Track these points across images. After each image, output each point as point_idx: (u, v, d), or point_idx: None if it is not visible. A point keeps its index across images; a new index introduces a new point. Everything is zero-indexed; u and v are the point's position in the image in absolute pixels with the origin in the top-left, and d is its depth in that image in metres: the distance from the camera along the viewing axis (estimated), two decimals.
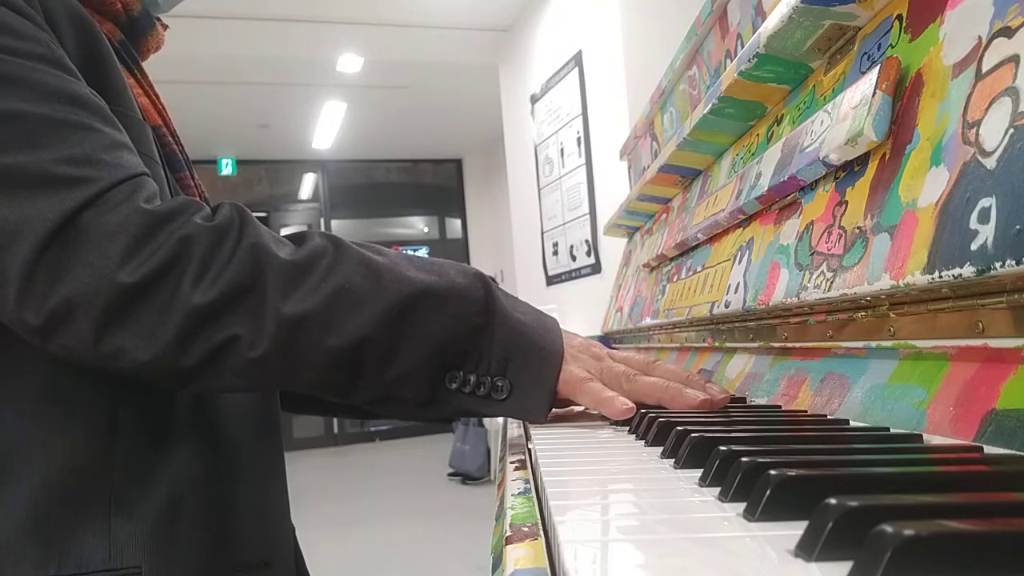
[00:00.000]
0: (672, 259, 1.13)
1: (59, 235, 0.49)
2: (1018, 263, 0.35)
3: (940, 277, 0.41)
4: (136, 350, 0.52)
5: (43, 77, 0.52)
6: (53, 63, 0.53)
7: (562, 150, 3.43)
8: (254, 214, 0.56)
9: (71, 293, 0.50)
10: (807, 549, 0.24)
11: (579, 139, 3.25)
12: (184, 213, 0.53)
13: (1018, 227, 0.35)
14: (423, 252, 7.71)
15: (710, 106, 0.85)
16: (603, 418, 0.63)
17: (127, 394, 0.57)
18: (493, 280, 0.60)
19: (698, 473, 0.38)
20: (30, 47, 0.52)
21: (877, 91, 0.51)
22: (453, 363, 0.56)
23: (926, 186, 0.45)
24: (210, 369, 0.53)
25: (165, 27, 0.72)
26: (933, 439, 0.42)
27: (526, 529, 0.33)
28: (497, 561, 0.32)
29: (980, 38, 0.43)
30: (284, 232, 0.58)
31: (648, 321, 1.17)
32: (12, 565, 0.52)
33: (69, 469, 0.55)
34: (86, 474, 0.55)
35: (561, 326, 0.63)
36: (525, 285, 4.19)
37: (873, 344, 0.52)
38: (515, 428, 0.70)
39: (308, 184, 7.38)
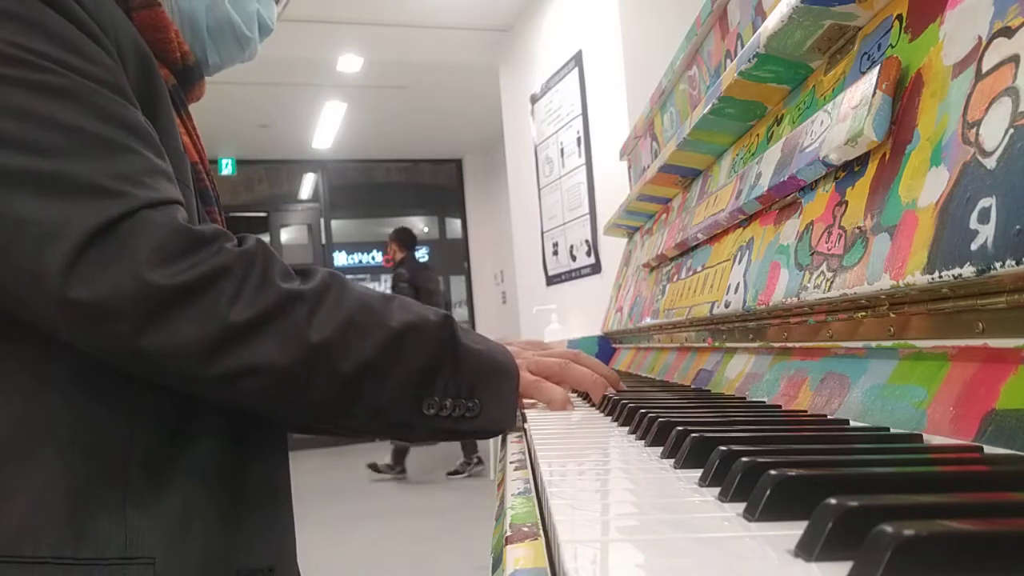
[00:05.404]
0: (672, 259, 1.13)
1: (98, 239, 0.53)
2: (1018, 263, 0.35)
3: (940, 277, 0.41)
4: (165, 353, 0.55)
5: (104, 100, 0.58)
6: (115, 89, 0.59)
7: (562, 150, 3.43)
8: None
9: (110, 295, 0.53)
10: (807, 549, 0.24)
11: (579, 139, 3.25)
12: (219, 239, 0.59)
13: (1018, 227, 0.35)
14: (423, 252, 7.72)
15: (710, 106, 0.85)
16: (599, 412, 0.67)
17: (151, 387, 0.60)
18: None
19: (698, 473, 0.38)
20: (97, 72, 0.58)
21: (877, 91, 0.51)
22: (428, 390, 0.64)
23: (926, 186, 0.45)
24: (230, 384, 0.58)
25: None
26: (933, 439, 0.42)
27: (526, 529, 0.33)
28: (497, 561, 0.32)
29: (980, 38, 0.43)
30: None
31: (648, 321, 1.17)
32: (31, 543, 0.55)
33: (90, 455, 0.58)
34: (105, 462, 0.58)
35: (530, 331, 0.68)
36: (525, 285, 4.18)
37: (873, 344, 0.52)
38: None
39: (308, 184, 7.37)
